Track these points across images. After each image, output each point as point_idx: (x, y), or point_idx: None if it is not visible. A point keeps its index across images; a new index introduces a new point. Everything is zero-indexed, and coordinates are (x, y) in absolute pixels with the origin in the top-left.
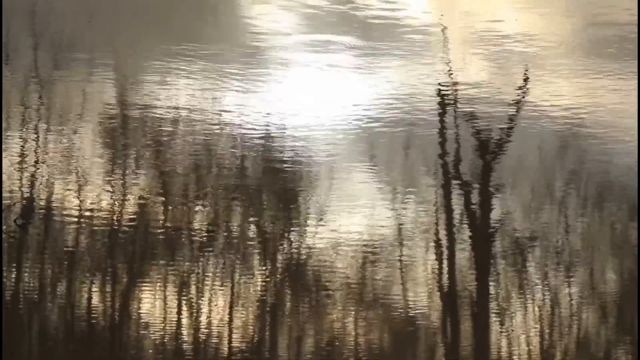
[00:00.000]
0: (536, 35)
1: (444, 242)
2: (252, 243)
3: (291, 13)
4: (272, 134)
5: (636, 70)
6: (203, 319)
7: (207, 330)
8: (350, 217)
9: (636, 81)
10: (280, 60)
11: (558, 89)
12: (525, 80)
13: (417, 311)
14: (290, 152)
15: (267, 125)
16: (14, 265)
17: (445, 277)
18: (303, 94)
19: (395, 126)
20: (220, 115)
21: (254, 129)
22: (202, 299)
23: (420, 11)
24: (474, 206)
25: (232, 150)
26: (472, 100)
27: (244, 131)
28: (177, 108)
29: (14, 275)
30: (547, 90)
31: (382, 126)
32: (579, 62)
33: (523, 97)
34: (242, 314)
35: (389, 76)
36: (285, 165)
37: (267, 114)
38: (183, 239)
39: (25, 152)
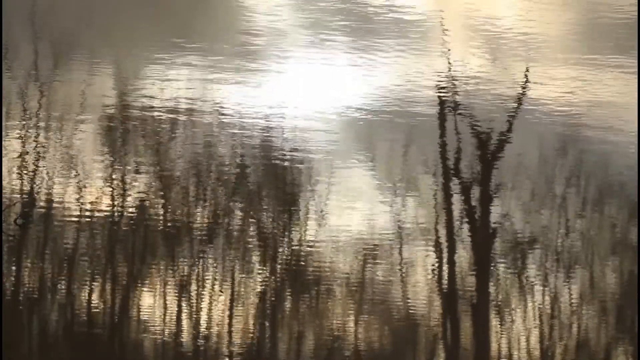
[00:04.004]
0: (536, 30)
1: (444, 242)
2: (252, 239)
3: (289, 7)
4: (271, 131)
5: (636, 66)
6: (203, 318)
7: (207, 330)
8: (349, 216)
9: (636, 78)
10: (278, 56)
11: (558, 84)
12: (526, 77)
13: (417, 311)
14: (289, 149)
15: (267, 123)
16: (14, 265)
17: (445, 277)
18: (301, 90)
19: (394, 123)
20: (219, 112)
21: (253, 126)
22: (202, 299)
23: (419, 6)
24: (473, 206)
25: (232, 147)
26: (471, 97)
27: (243, 129)
28: (176, 106)
29: (14, 275)
30: (546, 86)
31: (381, 123)
32: (579, 57)
33: (523, 94)
34: (242, 311)
35: (388, 72)
36: (284, 160)
37: (266, 113)
38: (183, 238)
39: (25, 152)
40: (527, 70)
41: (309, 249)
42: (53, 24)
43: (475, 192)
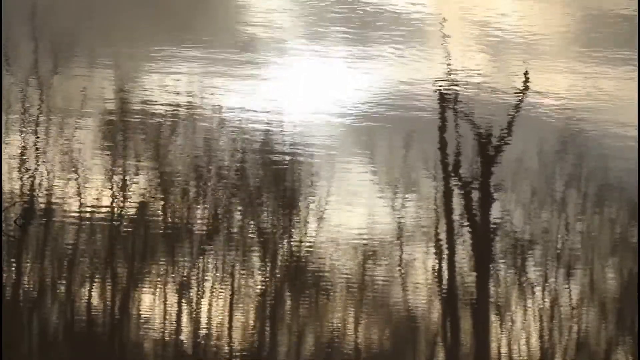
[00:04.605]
0: (536, 28)
1: (444, 242)
2: (252, 238)
3: (287, 5)
4: (271, 130)
5: (636, 65)
6: (203, 318)
7: (206, 330)
8: (349, 216)
9: (636, 76)
10: (277, 54)
11: (557, 83)
12: (526, 76)
13: (416, 311)
14: (289, 148)
15: (267, 122)
16: (14, 265)
17: (445, 277)
18: (300, 88)
19: (393, 122)
20: (219, 111)
21: (254, 125)
22: (202, 299)
23: (418, 3)
24: (473, 205)
25: (232, 146)
26: (471, 96)
27: (242, 128)
28: (176, 105)
29: (14, 275)
30: (546, 84)
31: (380, 122)
32: (578, 55)
33: (523, 94)
34: (242, 311)
35: (387, 70)
36: (283, 159)
37: (266, 112)
38: (183, 238)
39: (25, 152)
40: (527, 73)
41: (308, 248)
42: (53, 23)
43: (475, 192)
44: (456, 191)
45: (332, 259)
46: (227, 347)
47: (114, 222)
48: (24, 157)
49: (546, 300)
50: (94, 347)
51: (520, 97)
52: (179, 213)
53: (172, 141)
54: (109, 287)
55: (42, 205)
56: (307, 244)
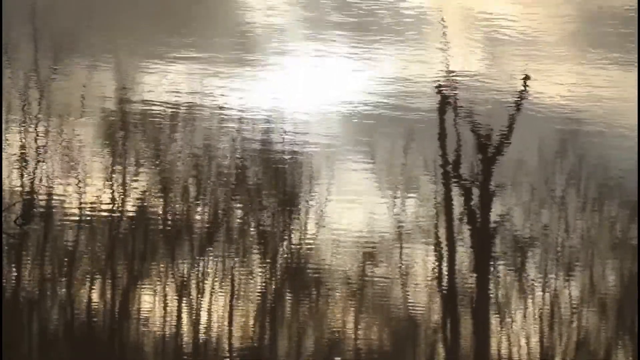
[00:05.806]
0: (536, 25)
1: (444, 242)
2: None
3: (287, 4)
4: (271, 128)
5: (636, 63)
6: (203, 318)
7: (206, 330)
8: (349, 215)
9: (636, 75)
10: (277, 53)
11: (557, 82)
12: (525, 76)
13: (416, 311)
14: (289, 147)
15: (266, 121)
16: (14, 265)
17: (445, 277)
18: (300, 87)
19: (393, 121)
20: (219, 110)
21: (253, 124)
22: (202, 298)
23: (418, 3)
24: (473, 205)
25: (232, 145)
26: (471, 95)
27: (242, 127)
28: (176, 104)
29: (14, 275)
30: (545, 83)
31: (381, 121)
32: (579, 54)
33: (523, 93)
34: (242, 310)
35: (387, 69)
36: (283, 159)
37: (265, 111)
38: (183, 238)
39: (25, 152)
40: (527, 77)
41: (308, 248)
42: (53, 23)
43: (476, 191)
44: (456, 191)
45: (332, 258)
46: (227, 347)
47: (114, 222)
48: (24, 157)
49: (546, 300)
50: (94, 347)
51: (520, 97)
52: (179, 213)
53: (172, 141)
54: (109, 287)
55: (42, 205)
56: (307, 243)
